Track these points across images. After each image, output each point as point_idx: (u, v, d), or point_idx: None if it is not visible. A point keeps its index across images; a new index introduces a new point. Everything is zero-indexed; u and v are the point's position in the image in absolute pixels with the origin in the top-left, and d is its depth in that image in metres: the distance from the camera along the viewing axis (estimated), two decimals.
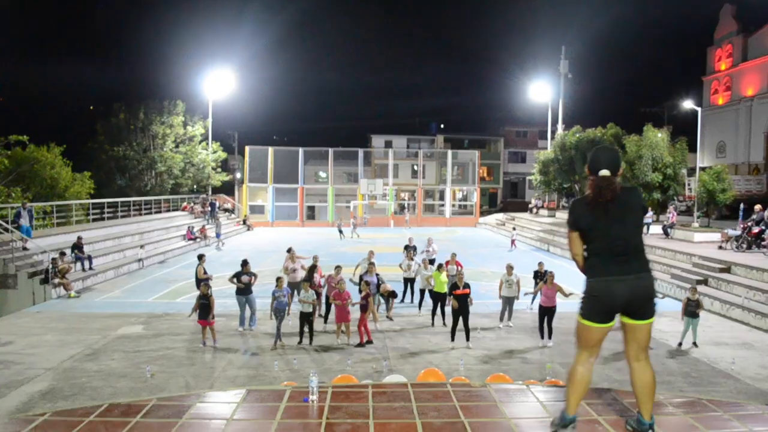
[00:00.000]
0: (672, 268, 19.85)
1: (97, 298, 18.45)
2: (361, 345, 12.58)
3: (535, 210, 44.86)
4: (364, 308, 13.04)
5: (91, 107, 51.99)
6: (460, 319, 12.42)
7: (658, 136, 29.77)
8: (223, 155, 48.83)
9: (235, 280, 13.94)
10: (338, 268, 14.19)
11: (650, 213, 28.50)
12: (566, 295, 12.97)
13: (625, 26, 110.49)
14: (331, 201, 47.81)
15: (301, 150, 48.10)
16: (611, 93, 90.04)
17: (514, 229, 34.86)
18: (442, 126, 67.37)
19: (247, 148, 48.52)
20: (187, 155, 45.02)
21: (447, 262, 16.72)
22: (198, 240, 32.66)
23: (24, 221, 20.15)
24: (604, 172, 3.77)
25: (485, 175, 60.38)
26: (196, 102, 46.52)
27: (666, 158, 29.14)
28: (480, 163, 53.04)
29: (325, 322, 14.28)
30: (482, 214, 51.55)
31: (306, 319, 12.68)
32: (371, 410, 3.84)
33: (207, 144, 46.70)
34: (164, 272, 23.51)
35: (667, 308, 15.66)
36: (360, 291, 13.74)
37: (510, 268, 14.34)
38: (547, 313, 12.87)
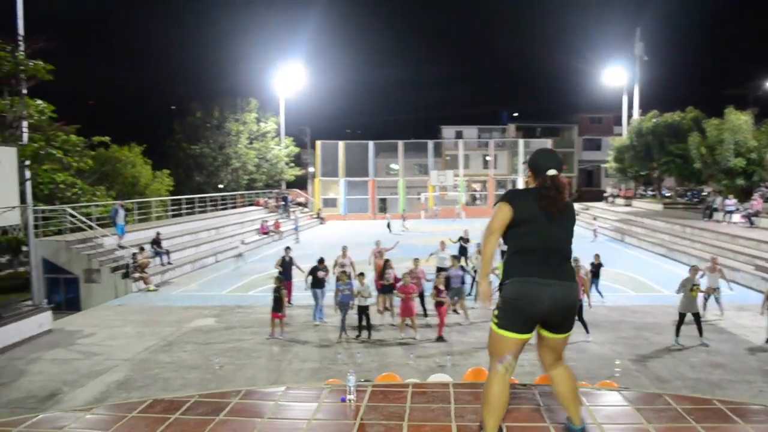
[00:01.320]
0: (756, 259, 18.69)
1: (174, 292, 19.20)
2: (440, 339, 12.52)
3: (610, 199, 43.34)
4: (439, 302, 12.83)
5: (173, 107, 54.01)
6: None
7: (741, 119, 28.02)
8: (295, 150, 49.74)
9: (310, 278, 14.29)
10: (416, 260, 14.38)
11: (733, 200, 26.94)
12: (584, 293, 12.55)
13: (705, 2, 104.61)
14: (402, 193, 47.85)
15: (371, 143, 48.38)
16: (691, 75, 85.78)
17: (595, 219, 33.77)
18: (515, 115, 66.17)
19: (318, 143, 49.23)
20: (261, 151, 46.12)
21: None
22: (272, 234, 33.43)
23: (119, 220, 21.09)
24: (552, 172, 3.49)
25: None
26: (268, 98, 47.65)
27: (750, 142, 27.39)
28: None
29: (425, 315, 14.33)
30: None
31: (363, 312, 12.73)
32: (407, 411, 3.77)
33: (279, 140, 47.75)
34: (238, 266, 24.16)
35: (750, 301, 14.78)
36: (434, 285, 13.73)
37: (574, 260, 13.90)
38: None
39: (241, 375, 10.68)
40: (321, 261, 14.65)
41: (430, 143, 50.28)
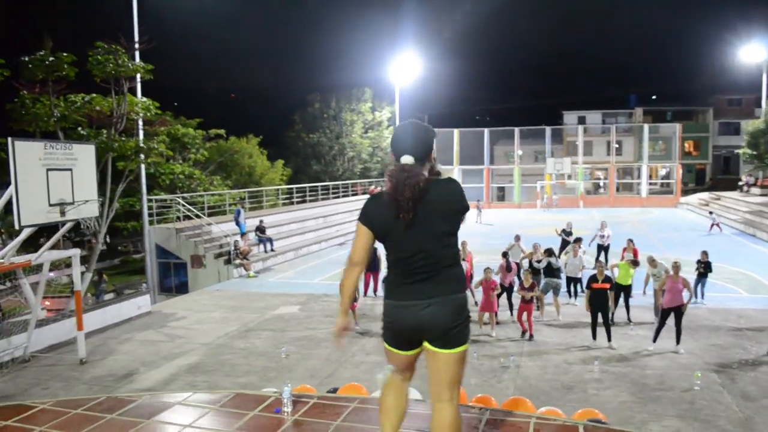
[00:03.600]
0: None
1: (272, 278, 19.92)
2: (529, 336, 11.97)
3: (745, 188, 39.36)
4: (525, 299, 12.13)
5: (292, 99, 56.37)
6: (600, 315, 11.29)
7: None
8: None
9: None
10: (488, 270, 13.87)
11: None
12: (691, 295, 11.11)
13: None
14: (518, 181, 46.53)
15: (486, 130, 47.44)
16: None
17: (711, 213, 30.94)
18: (653, 97, 61.85)
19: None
20: (375, 140, 46.75)
21: (624, 249, 15.33)
22: None
23: (241, 219, 22.08)
24: (407, 159, 2.86)
25: (691, 149, 54.26)
26: (383, 88, 48.08)
27: None
28: (683, 136, 47.80)
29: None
30: (686, 192, 46.51)
31: None
32: (330, 429, 3.56)
33: (394, 129, 48.11)
34: (340, 254, 24.58)
35: None
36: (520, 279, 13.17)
37: (652, 260, 12.73)
38: (672, 313, 10.87)
39: (303, 365, 10.83)
40: None
41: (548, 129, 48.38)
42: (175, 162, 27.88)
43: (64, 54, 14.78)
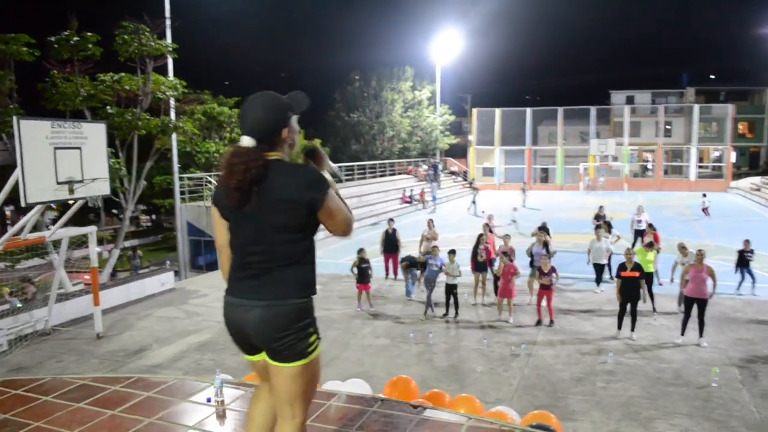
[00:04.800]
0: None
1: None
2: (549, 322, 11.66)
3: None
4: (545, 285, 11.68)
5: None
6: (629, 305, 10.83)
7: None
8: (450, 118, 49.25)
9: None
10: (507, 236, 13.69)
11: None
12: (715, 285, 10.41)
13: None
14: (560, 163, 45.46)
15: (528, 110, 46.42)
16: None
17: (704, 195, 29.07)
18: (712, 77, 59.23)
19: (474, 111, 48.29)
20: (415, 119, 46.30)
21: (644, 234, 14.79)
22: (415, 203, 33.52)
23: None
24: (245, 141, 2.52)
25: (745, 131, 51.77)
26: (425, 66, 47.48)
27: None
28: (737, 117, 45.63)
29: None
30: (738, 177, 44.49)
31: (451, 291, 12.21)
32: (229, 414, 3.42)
33: (435, 107, 47.55)
34: (370, 234, 24.43)
35: None
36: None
37: (683, 247, 12.12)
38: (695, 304, 10.29)
39: None
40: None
41: (593, 109, 46.92)
42: (210, 141, 28.17)
43: (89, 34, 14.99)
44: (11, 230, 9.56)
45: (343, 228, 2.69)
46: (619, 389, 8.52)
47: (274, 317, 2.52)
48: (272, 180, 2.48)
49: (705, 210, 27.60)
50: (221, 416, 3.48)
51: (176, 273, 21.23)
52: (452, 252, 12.71)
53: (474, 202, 31.42)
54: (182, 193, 21.57)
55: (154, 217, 49.07)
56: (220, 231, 2.72)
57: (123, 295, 13.93)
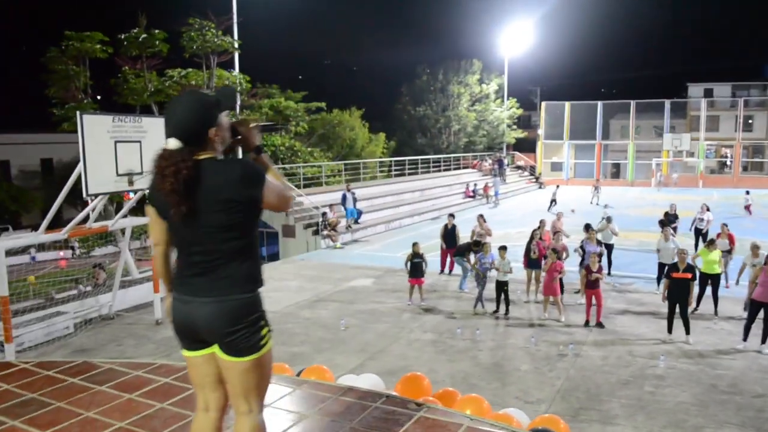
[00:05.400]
0: None
1: (357, 250, 20.19)
2: (597, 323, 11.34)
3: None
4: (593, 284, 11.33)
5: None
6: (677, 307, 10.41)
7: None
8: (518, 112, 48.45)
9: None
10: (543, 221, 13.68)
11: None
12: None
13: None
14: (632, 158, 43.90)
15: (599, 104, 45.02)
16: None
17: (747, 193, 27.37)
18: None
19: (542, 104, 47.28)
20: (481, 113, 45.82)
21: (718, 235, 14.11)
22: (479, 198, 33.20)
23: (348, 204, 22.29)
24: (171, 143, 2.49)
25: None
26: (493, 59, 46.90)
27: None
28: None
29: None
30: None
31: (501, 287, 12.05)
32: None
33: (502, 101, 46.88)
34: (431, 228, 24.42)
35: None
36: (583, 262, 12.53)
37: (756, 247, 11.47)
38: (763, 308, 9.80)
39: (359, 339, 10.90)
40: (477, 243, 14.15)
41: (667, 103, 44.98)
42: (276, 134, 28.80)
43: (156, 31, 15.64)
44: (76, 218, 10.10)
45: (284, 208, 2.78)
46: (667, 395, 8.22)
47: (225, 312, 2.56)
48: (206, 181, 2.48)
49: (747, 208, 26.33)
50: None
51: None
52: (503, 248, 12.55)
53: (554, 200, 29.28)
54: None
55: None
56: (155, 229, 2.72)
57: None
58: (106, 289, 12.58)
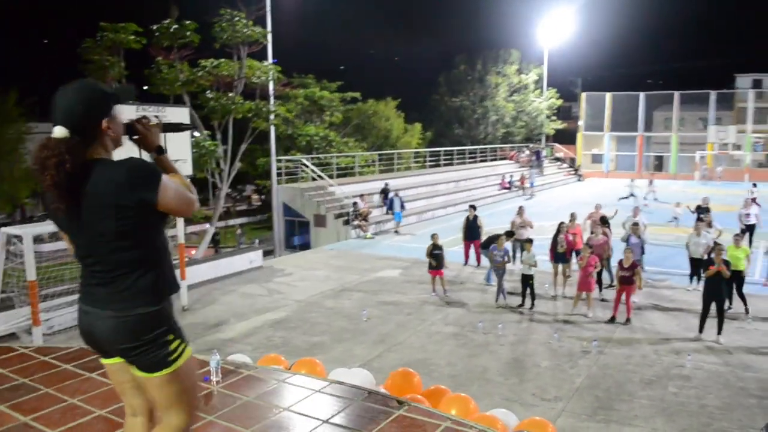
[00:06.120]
0: None
1: (387, 241, 20.13)
2: (626, 320, 11.07)
3: None
4: (626, 280, 10.95)
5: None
6: (713, 305, 10.03)
7: None
8: (558, 103, 47.55)
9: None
10: (573, 214, 13.60)
11: None
12: None
13: None
14: (674, 150, 42.68)
15: (641, 95, 43.87)
16: None
17: (754, 185, 25.06)
18: None
19: (582, 95, 46.31)
20: (520, 104, 45.14)
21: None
22: (515, 189, 32.77)
23: (396, 207, 21.93)
24: (57, 132, 2.23)
25: None
26: (532, 49, 46.10)
27: None
28: None
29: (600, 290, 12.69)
30: None
31: (527, 281, 11.84)
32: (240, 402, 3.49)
33: (542, 91, 46.07)
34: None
35: None
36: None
37: None
38: None
39: (380, 330, 10.85)
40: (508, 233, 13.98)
41: (712, 94, 43.45)
42: (312, 124, 28.90)
43: (188, 22, 15.81)
44: None
45: (186, 213, 2.58)
46: (691, 396, 7.95)
47: (123, 328, 2.36)
48: (94, 184, 2.24)
49: (753, 201, 24.44)
50: (212, 396, 3.59)
51: (271, 252, 22.11)
52: (529, 241, 12.33)
53: (632, 194, 25.55)
54: (279, 174, 22.31)
55: (263, 196, 51.25)
56: (65, 238, 2.49)
57: (212, 271, 14.67)
58: None
